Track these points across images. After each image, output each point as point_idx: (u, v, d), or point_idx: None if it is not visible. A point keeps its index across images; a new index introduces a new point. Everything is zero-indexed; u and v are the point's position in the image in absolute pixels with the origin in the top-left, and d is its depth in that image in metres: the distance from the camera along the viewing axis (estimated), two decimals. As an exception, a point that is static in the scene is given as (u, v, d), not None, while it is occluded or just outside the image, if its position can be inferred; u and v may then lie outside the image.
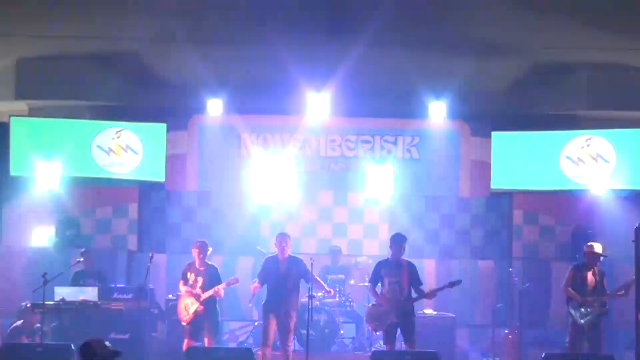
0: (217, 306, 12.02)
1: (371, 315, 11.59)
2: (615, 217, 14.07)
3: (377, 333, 12.19)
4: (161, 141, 14.64)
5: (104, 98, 14.57)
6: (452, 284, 11.45)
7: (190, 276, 11.93)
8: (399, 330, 11.37)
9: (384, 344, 11.73)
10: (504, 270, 14.33)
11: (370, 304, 11.93)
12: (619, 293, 11.73)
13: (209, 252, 12.07)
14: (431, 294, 11.52)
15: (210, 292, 11.76)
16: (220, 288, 11.84)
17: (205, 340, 11.82)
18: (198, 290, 11.79)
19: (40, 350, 10.49)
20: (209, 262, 12.08)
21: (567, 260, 13.64)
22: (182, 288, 12.01)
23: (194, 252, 11.94)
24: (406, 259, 11.63)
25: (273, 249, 12.51)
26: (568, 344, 11.76)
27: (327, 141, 15.18)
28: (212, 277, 11.90)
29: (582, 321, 11.65)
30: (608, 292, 11.79)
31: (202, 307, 11.77)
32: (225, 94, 14.46)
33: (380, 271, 11.57)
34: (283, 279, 11.54)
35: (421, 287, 11.52)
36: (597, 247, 11.91)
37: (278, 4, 11.70)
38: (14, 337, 12.35)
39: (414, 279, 11.47)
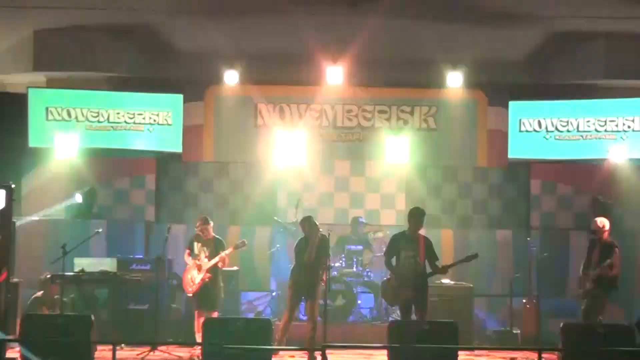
0: (221, 280, 12.22)
1: (386, 290, 11.58)
2: (634, 187, 14.02)
3: (393, 307, 12.20)
4: (178, 112, 14.66)
5: (121, 69, 14.58)
6: (468, 258, 11.38)
7: (197, 246, 12.12)
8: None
9: (400, 317, 11.67)
10: (521, 240, 14.31)
11: (385, 278, 11.82)
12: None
13: (210, 226, 12.33)
14: (445, 269, 11.40)
15: (216, 260, 11.93)
16: (226, 255, 12.10)
17: (214, 314, 11.97)
18: (204, 260, 11.95)
19: (61, 321, 10.56)
20: (215, 235, 12.36)
21: (586, 229, 13.59)
22: (188, 259, 12.17)
23: (197, 228, 12.31)
24: (422, 233, 11.59)
25: (289, 219, 12.45)
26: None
27: (343, 111, 15.11)
28: (217, 248, 12.18)
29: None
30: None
31: (209, 276, 11.91)
32: (241, 64, 14.42)
33: (396, 244, 11.51)
34: (312, 260, 11.61)
35: (437, 262, 11.43)
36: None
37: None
38: (35, 308, 12.45)
39: (430, 254, 11.40)
